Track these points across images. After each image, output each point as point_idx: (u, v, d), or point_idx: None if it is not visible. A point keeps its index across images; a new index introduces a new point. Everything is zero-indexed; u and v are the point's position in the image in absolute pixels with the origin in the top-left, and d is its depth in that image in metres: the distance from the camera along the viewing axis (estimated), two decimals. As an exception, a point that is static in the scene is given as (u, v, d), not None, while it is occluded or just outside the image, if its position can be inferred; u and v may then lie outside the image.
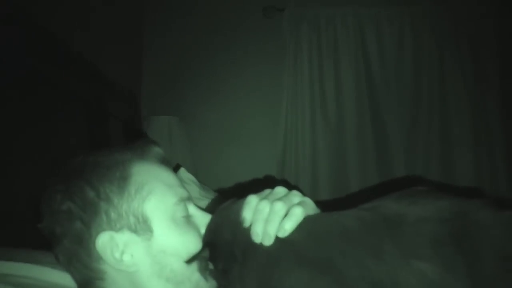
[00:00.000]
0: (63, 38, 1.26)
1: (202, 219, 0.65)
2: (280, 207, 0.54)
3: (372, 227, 0.47)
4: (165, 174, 0.66)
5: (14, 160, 1.00)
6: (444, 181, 2.17)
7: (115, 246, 0.59)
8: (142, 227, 0.60)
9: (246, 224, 0.55)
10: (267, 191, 0.60)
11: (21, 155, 1.03)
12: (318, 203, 0.60)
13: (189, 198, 0.68)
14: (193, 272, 0.61)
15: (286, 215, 0.54)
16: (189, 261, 0.59)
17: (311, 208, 0.58)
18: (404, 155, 2.26)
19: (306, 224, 0.53)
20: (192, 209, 0.67)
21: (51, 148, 1.17)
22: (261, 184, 0.65)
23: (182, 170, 1.35)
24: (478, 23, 2.26)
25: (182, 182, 0.70)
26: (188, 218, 0.65)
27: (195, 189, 1.27)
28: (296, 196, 0.58)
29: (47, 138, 1.16)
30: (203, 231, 0.64)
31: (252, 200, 0.57)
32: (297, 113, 2.25)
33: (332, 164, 2.23)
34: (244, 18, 2.31)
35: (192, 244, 0.62)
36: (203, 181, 1.64)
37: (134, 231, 0.60)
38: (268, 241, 0.52)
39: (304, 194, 0.60)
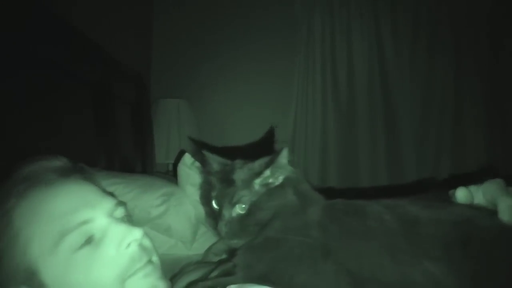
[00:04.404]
0: (72, 20, 1.27)
1: (118, 234, 0.54)
2: None
3: (390, 226, 0.49)
4: (57, 199, 0.54)
5: (21, 143, 1.02)
6: (456, 168, 2.16)
7: None
8: (35, 282, 0.51)
9: None
10: None
11: (28, 138, 1.05)
12: (330, 190, 0.60)
13: (100, 216, 0.55)
14: None
15: None
16: None
17: None
18: (415, 140, 2.23)
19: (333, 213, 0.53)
20: (105, 225, 0.54)
21: (58, 130, 1.20)
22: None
23: (187, 156, 1.36)
24: (494, 10, 2.17)
25: (102, 190, 0.59)
26: (97, 242, 0.53)
27: (195, 176, 1.27)
28: None
29: (53, 121, 1.18)
30: (121, 247, 0.54)
31: None
32: (308, 97, 2.23)
33: (342, 149, 2.22)
34: (256, 0, 2.27)
35: (101, 274, 0.52)
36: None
37: (30, 287, 0.51)
38: None
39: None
